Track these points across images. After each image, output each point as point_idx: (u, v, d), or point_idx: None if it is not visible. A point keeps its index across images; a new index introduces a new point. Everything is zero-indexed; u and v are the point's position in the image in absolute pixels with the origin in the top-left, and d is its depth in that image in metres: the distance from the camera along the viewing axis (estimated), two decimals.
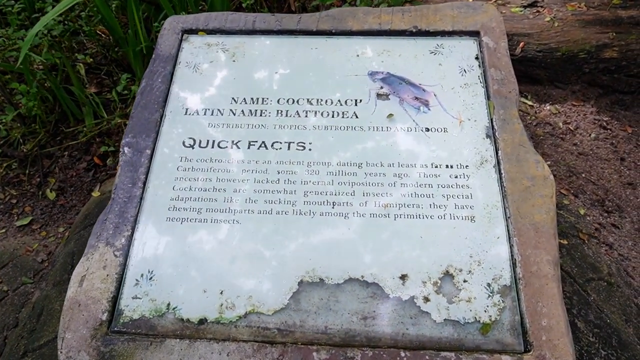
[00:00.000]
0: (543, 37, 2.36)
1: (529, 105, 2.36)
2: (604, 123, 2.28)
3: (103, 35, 2.73)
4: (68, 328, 0.97)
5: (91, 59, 2.67)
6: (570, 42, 2.34)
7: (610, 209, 1.96)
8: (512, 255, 1.02)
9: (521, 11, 2.46)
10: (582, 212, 1.91)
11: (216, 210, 1.10)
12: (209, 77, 1.30)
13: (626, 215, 1.94)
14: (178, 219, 1.09)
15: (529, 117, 2.31)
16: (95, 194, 2.04)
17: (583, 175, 2.09)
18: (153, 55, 1.32)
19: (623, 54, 2.28)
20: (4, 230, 2.05)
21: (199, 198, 1.11)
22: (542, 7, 2.47)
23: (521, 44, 2.37)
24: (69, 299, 1.00)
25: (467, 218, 1.06)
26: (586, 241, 1.78)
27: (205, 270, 1.03)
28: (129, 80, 2.34)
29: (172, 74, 1.30)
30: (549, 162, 2.12)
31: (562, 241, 1.70)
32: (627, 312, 1.56)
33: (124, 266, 1.04)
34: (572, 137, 2.24)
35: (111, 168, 2.19)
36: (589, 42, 2.32)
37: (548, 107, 2.35)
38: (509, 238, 1.04)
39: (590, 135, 2.25)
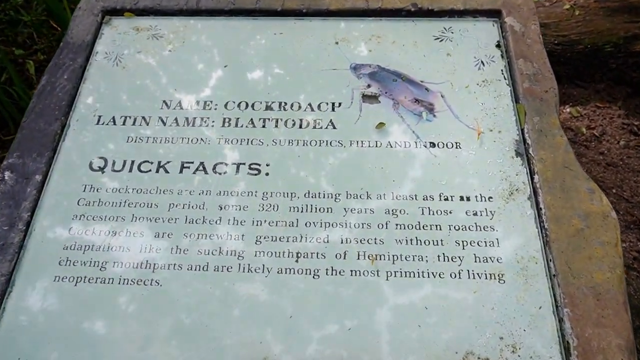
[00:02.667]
0: (562, 28, 2.03)
1: None
2: (635, 128, 1.94)
3: (57, 28, 2.37)
4: None
5: (43, 56, 2.31)
6: (593, 33, 2.01)
7: None
8: (562, 337, 0.68)
9: None
10: None
11: (127, 265, 0.75)
12: (134, 72, 0.95)
13: None
14: (72, 279, 0.74)
15: None
16: None
17: (614, 190, 1.75)
18: (61, 44, 0.98)
19: None
20: None
21: (105, 247, 0.77)
22: None
23: None
24: None
25: (492, 277, 0.72)
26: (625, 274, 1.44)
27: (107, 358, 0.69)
28: None
29: (84, 69, 0.95)
30: None
31: None
32: None
33: None
34: (597, 144, 1.90)
35: None
36: (616, 33, 1.99)
37: (568, 110, 2.01)
38: (557, 309, 0.70)
39: (619, 142, 1.91)
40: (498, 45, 0.94)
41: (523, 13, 0.96)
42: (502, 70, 0.91)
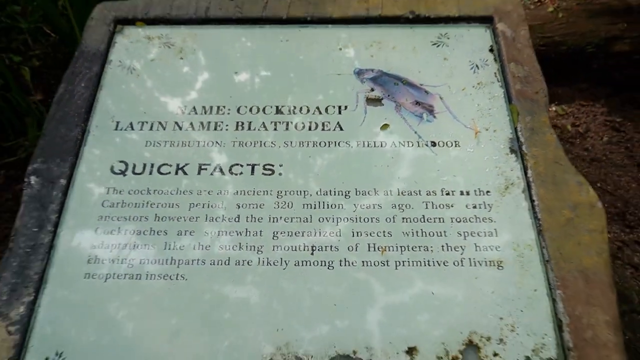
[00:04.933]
0: (546, 30, 2.11)
1: None
2: (617, 125, 2.04)
3: (52, 34, 2.39)
4: None
5: (39, 62, 2.33)
6: (576, 35, 2.10)
7: (632, 223, 1.71)
8: (556, 315, 0.75)
9: (521, 0, 2.19)
10: None
11: (154, 262, 0.80)
12: (148, 80, 1.00)
13: None
14: (100, 276, 0.79)
15: None
16: None
17: (598, 184, 1.84)
18: (76, 53, 1.02)
19: (636, 46, 2.04)
20: None
21: (129, 245, 0.82)
22: None
23: None
24: None
25: (492, 264, 0.79)
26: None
27: (136, 351, 0.74)
28: None
29: (100, 77, 1.00)
30: None
31: None
32: None
33: (21, 347, 0.74)
34: (582, 141, 1.99)
35: None
36: (598, 34, 2.08)
37: (554, 108, 2.10)
38: (551, 291, 0.77)
39: (602, 138, 2.00)
40: (491, 50, 1.01)
41: (513, 19, 1.03)
42: (495, 73, 0.98)
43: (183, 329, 0.75)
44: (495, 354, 0.73)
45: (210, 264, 0.80)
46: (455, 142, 0.91)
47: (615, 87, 2.12)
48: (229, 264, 0.80)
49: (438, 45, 1.02)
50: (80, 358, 0.73)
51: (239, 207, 0.85)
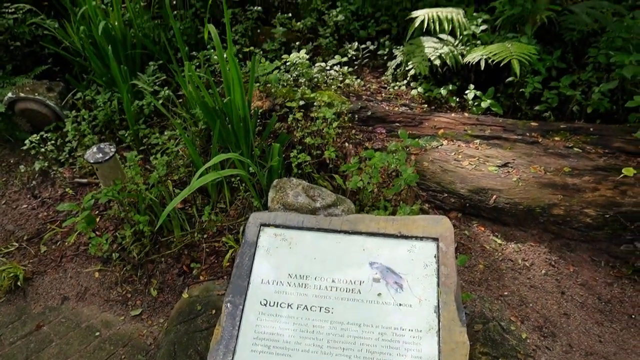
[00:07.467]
0: (510, 193, 3.20)
1: (498, 244, 3.17)
2: (553, 262, 3.06)
3: (185, 156, 3.75)
4: None
5: (177, 177, 3.68)
6: (529, 199, 3.16)
7: (545, 334, 2.73)
8: None
9: (496, 170, 3.31)
10: (524, 336, 2.69)
11: (277, 347, 1.98)
12: (275, 258, 2.22)
13: (557, 340, 2.71)
14: (257, 352, 1.98)
15: (497, 253, 3.12)
16: (185, 295, 2.97)
17: (531, 304, 2.87)
18: (242, 241, 2.26)
19: (567, 212, 3.08)
20: (122, 317, 3.00)
21: (268, 339, 2.00)
22: (512, 167, 3.33)
23: (494, 197, 3.21)
24: None
25: None
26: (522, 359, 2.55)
27: None
28: (210, 210, 3.30)
29: (254, 255, 2.22)
30: (506, 293, 2.91)
31: None
32: None
33: None
34: (527, 272, 3.03)
35: (196, 277, 3.12)
36: (543, 200, 3.14)
37: (512, 246, 3.15)
38: None
39: (541, 271, 3.03)
40: (435, 257, 2.15)
41: (448, 241, 2.16)
42: (434, 270, 2.11)
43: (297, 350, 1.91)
44: None
45: (301, 351, 1.96)
46: (410, 304, 2.04)
47: (555, 236, 3.16)
48: (308, 352, 1.96)
49: (410, 252, 2.17)
50: None
51: (314, 326, 2.01)
